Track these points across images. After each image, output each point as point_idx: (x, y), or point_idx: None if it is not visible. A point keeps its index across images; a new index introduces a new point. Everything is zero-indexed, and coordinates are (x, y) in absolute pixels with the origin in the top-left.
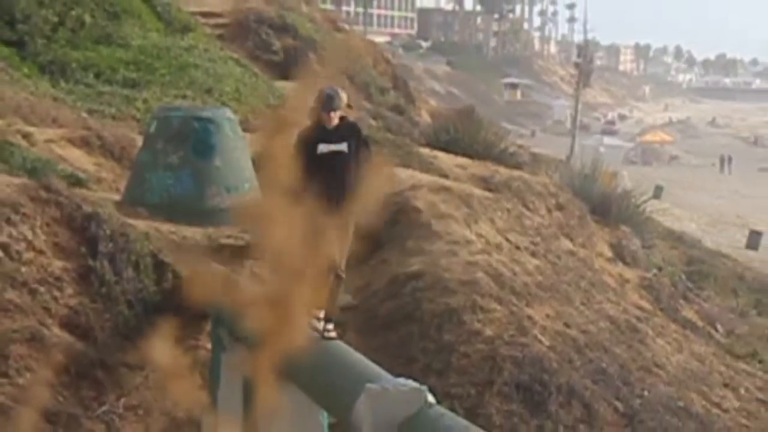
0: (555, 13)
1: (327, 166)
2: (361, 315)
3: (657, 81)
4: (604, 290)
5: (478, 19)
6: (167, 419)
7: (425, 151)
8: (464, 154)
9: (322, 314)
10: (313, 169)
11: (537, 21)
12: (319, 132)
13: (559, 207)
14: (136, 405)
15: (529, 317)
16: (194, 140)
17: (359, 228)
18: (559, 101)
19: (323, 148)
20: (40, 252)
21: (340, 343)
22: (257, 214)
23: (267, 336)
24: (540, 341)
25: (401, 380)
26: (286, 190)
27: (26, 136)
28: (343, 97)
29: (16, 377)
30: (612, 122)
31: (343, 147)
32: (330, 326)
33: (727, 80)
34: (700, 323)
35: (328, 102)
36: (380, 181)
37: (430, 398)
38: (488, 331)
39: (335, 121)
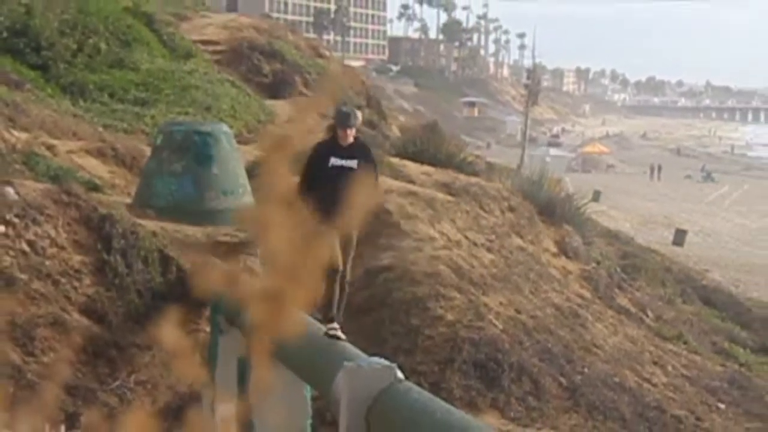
0: (507, 41)
1: (335, 179)
2: None
3: (596, 100)
4: (550, 281)
5: (441, 47)
6: (172, 393)
7: (395, 160)
8: (429, 163)
9: (336, 324)
10: (322, 181)
11: (492, 48)
12: (333, 147)
13: (511, 209)
14: (145, 380)
15: (485, 304)
16: (195, 151)
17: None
18: (511, 117)
19: (334, 161)
20: (62, 248)
21: (321, 327)
22: (257, 218)
23: (264, 327)
24: (494, 325)
25: (374, 359)
26: (283, 198)
27: (50, 147)
28: (359, 115)
29: (42, 356)
30: (557, 136)
31: (353, 164)
32: (335, 325)
33: (656, 99)
34: (632, 309)
35: (345, 119)
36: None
37: (399, 374)
38: (449, 317)
39: (350, 138)
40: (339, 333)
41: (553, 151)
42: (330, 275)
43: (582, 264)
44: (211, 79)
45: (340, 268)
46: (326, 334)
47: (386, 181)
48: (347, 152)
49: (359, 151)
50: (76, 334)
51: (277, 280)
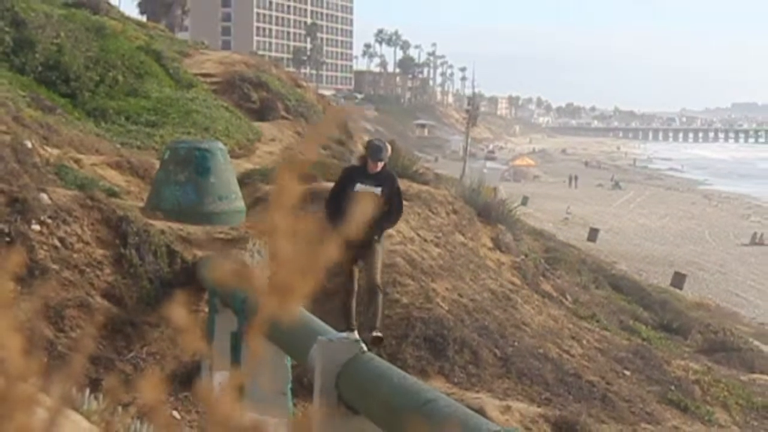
0: (452, 74)
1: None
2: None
3: (524, 122)
4: (486, 270)
5: (397, 78)
6: (177, 362)
7: None
8: None
9: (356, 334)
10: (347, 203)
11: (439, 79)
12: (361, 173)
13: (455, 211)
14: (155, 352)
15: (434, 290)
16: (196, 164)
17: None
18: (454, 137)
19: (360, 187)
20: (87, 243)
21: (300, 308)
22: (268, 223)
23: (264, 315)
24: (441, 307)
25: (344, 334)
26: (291, 207)
27: (77, 161)
28: (389, 149)
29: (70, 332)
30: (492, 151)
31: (377, 190)
32: (376, 331)
33: (573, 122)
34: (554, 294)
35: (377, 153)
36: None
37: (363, 347)
38: (404, 300)
39: (378, 168)
40: (379, 334)
41: (489, 164)
42: (346, 291)
43: (513, 256)
44: (209, 105)
45: (354, 289)
46: (370, 343)
47: None
48: (374, 179)
49: (385, 179)
50: (99, 314)
51: (283, 275)
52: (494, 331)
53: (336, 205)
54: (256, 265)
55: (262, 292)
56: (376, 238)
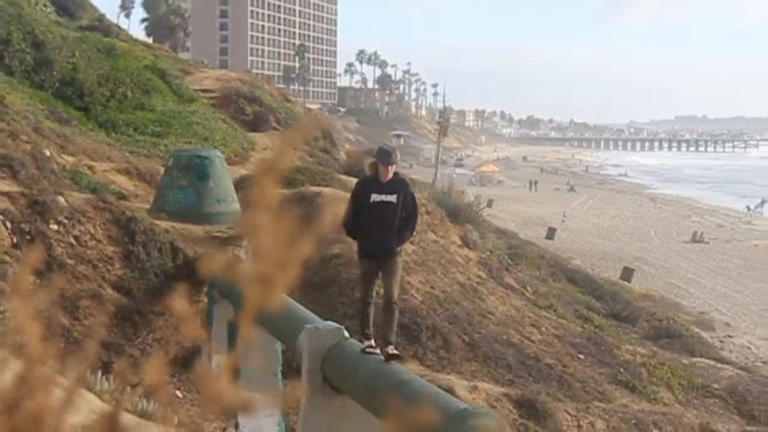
0: (425, 90)
1: (377, 213)
2: (302, 281)
3: (489, 133)
4: (456, 265)
5: (376, 93)
6: (179, 347)
7: (343, 176)
8: None
9: (372, 342)
10: (365, 215)
11: (414, 94)
12: (375, 183)
13: (428, 212)
14: (160, 338)
15: (409, 282)
16: (196, 170)
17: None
18: (427, 146)
19: (375, 197)
20: (99, 241)
21: (289, 299)
22: (249, 221)
23: (252, 303)
24: (415, 297)
25: (328, 322)
26: (270, 207)
27: (90, 167)
28: (398, 154)
29: (84, 320)
30: (461, 159)
31: (392, 198)
32: (391, 347)
33: (533, 132)
34: (516, 286)
35: (386, 157)
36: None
37: (346, 334)
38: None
39: (390, 174)
40: (376, 351)
41: (458, 170)
42: (364, 300)
43: (479, 253)
44: (208, 118)
45: (372, 299)
46: (363, 350)
47: (336, 192)
48: (387, 188)
49: (398, 186)
50: (110, 304)
51: (265, 267)
52: (463, 319)
53: (354, 218)
54: (248, 260)
55: (246, 283)
56: (397, 249)
